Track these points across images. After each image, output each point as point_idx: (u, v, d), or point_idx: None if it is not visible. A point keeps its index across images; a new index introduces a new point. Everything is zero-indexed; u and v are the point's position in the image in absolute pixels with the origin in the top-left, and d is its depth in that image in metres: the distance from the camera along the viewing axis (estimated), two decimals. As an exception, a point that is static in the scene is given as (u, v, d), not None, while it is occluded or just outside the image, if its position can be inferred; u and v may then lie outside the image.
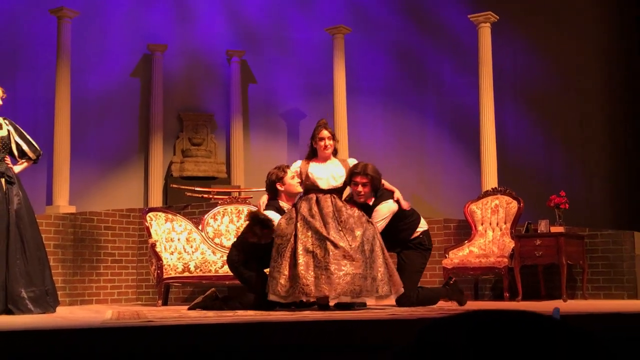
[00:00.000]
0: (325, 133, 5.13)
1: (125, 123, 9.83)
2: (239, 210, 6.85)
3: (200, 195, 7.79)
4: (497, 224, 6.76)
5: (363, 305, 4.85)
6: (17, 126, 5.33)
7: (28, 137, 5.33)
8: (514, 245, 6.35)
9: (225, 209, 6.85)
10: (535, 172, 9.49)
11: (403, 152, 9.78)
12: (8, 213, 5.01)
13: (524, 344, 0.78)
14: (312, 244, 4.65)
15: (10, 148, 5.23)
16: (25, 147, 5.28)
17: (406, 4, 10.17)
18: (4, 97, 5.27)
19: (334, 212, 4.80)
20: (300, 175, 5.11)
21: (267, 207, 5.13)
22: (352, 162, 5.22)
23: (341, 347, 2.61)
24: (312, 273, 4.56)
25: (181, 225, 6.60)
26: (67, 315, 4.84)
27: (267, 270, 4.97)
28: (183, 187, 8.46)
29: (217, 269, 6.14)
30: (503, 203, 6.80)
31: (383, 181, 5.19)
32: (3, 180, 5.08)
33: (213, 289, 4.99)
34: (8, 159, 5.22)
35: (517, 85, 9.74)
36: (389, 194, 5.20)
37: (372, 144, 9.62)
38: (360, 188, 5.05)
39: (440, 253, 6.80)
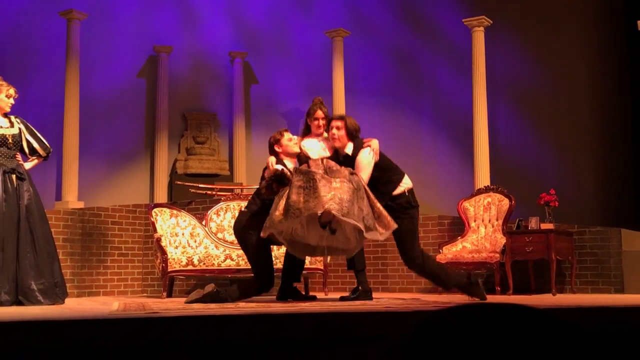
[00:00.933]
0: (319, 113, 5.23)
1: (131, 122, 9.83)
2: (241, 206, 6.84)
3: (203, 192, 7.80)
4: (490, 221, 6.76)
5: (367, 296, 4.86)
6: (28, 124, 5.33)
7: (38, 134, 5.33)
8: (505, 241, 6.36)
9: (227, 205, 6.86)
10: (526, 171, 9.50)
11: (400, 151, 9.74)
12: (19, 208, 5.01)
13: (520, 338, 0.78)
14: (302, 181, 4.66)
15: (21, 145, 5.23)
16: (35, 144, 5.28)
17: (403, 8, 10.16)
18: (16, 97, 5.27)
19: (324, 167, 4.81)
20: None
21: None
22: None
23: (338, 340, 2.61)
24: (302, 198, 4.57)
25: (185, 220, 6.60)
26: (75, 306, 4.84)
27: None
28: (187, 183, 8.46)
29: (220, 262, 6.14)
30: (495, 201, 6.80)
31: (365, 139, 5.16)
32: (14, 176, 5.08)
33: (212, 285, 4.96)
34: (19, 156, 5.22)
35: (509, 87, 9.74)
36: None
37: (370, 143, 9.61)
38: (335, 131, 5.06)
39: (435, 248, 6.81)
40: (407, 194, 5.10)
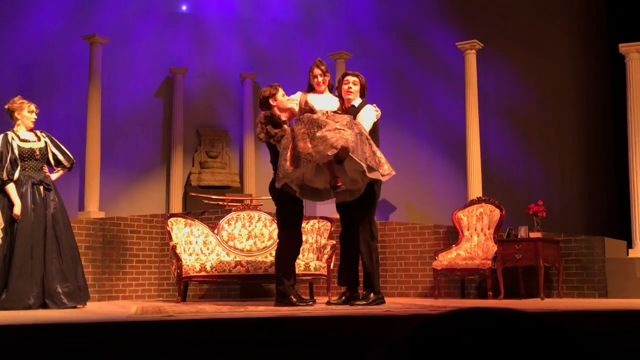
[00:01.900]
0: (317, 71, 5.09)
1: (149, 137, 9.86)
2: (251, 216, 6.86)
3: (216, 203, 7.80)
4: (482, 230, 6.75)
5: (380, 299, 4.81)
6: (53, 138, 5.35)
7: (63, 147, 5.35)
8: (496, 249, 6.35)
9: (238, 215, 6.86)
10: (516, 183, 9.48)
11: (398, 165, 9.69)
12: (45, 217, 5.04)
13: (520, 341, 0.78)
14: (304, 127, 4.58)
15: (48, 158, 5.25)
16: (60, 156, 5.31)
17: (401, 32, 10.19)
18: (37, 112, 5.30)
19: (326, 114, 4.74)
20: (299, 104, 5.00)
21: None
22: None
23: (338, 341, 2.61)
24: (309, 144, 4.49)
25: (199, 229, 6.60)
26: (96, 310, 4.85)
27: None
28: (201, 195, 8.46)
29: (231, 268, 6.14)
30: (487, 211, 6.80)
31: None
32: (42, 187, 5.10)
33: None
34: (46, 168, 5.25)
35: (499, 105, 9.75)
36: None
37: (370, 158, 9.61)
38: (351, 85, 4.99)
39: (431, 256, 6.80)
40: (379, 183, 5.01)
